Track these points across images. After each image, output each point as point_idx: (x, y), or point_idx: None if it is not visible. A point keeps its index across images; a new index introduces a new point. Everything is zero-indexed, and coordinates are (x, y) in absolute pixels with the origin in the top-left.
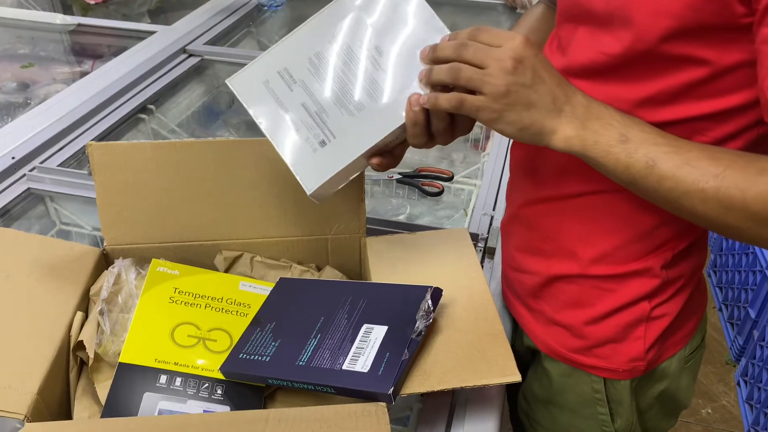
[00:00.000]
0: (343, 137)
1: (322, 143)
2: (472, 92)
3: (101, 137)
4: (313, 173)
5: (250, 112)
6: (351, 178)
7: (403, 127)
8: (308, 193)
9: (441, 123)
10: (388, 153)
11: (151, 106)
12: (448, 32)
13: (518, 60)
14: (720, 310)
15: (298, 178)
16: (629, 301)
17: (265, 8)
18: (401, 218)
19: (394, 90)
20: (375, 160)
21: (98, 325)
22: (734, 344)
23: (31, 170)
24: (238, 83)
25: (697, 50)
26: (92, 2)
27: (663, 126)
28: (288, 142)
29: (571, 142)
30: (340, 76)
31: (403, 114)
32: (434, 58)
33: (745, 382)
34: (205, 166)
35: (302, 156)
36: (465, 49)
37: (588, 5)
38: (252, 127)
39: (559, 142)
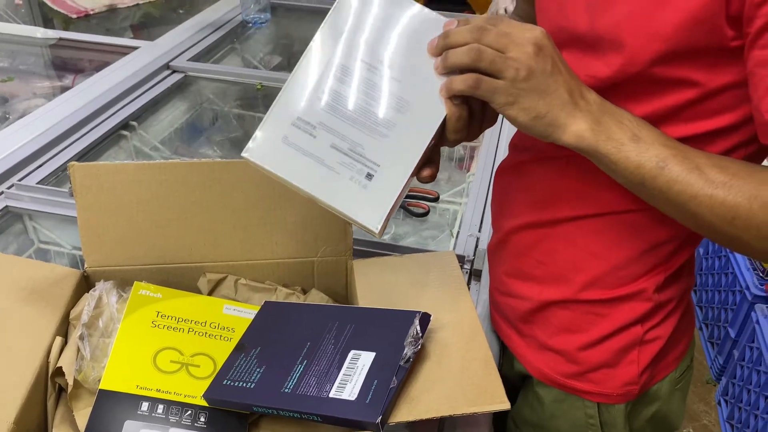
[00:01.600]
0: (387, 162)
1: (369, 176)
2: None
3: (82, 154)
4: (373, 211)
5: (282, 178)
6: (402, 199)
7: (440, 128)
8: (376, 232)
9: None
10: (429, 162)
11: (134, 123)
12: (446, 19)
13: (540, 47)
14: (700, 329)
15: (360, 222)
16: (622, 326)
17: (250, 25)
18: (387, 239)
19: (418, 95)
20: (425, 173)
21: (78, 350)
22: (714, 363)
23: (9, 188)
24: (256, 153)
25: (687, 72)
26: (74, 16)
27: None
28: (335, 190)
29: (584, 136)
30: (358, 104)
31: (438, 113)
32: (448, 43)
33: (726, 401)
34: (189, 187)
35: (355, 198)
36: (485, 32)
37: (573, 29)
38: (236, 145)
39: (570, 136)
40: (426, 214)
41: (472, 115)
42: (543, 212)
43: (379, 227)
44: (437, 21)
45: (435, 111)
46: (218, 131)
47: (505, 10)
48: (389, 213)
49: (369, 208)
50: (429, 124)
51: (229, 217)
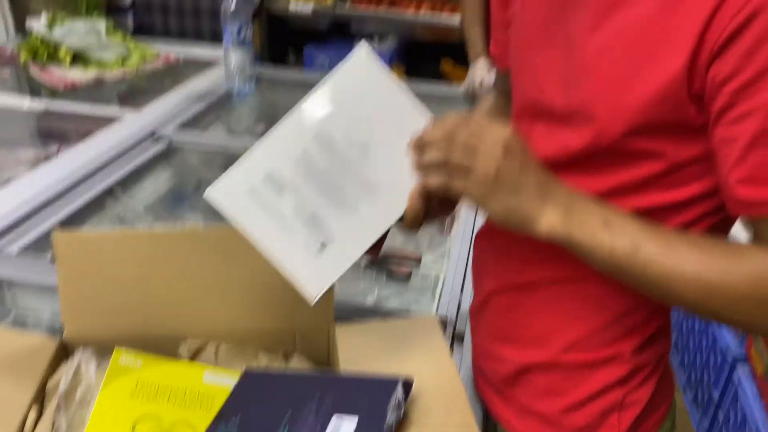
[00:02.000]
0: (344, 238)
1: (322, 247)
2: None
3: (65, 222)
4: (315, 281)
5: (237, 224)
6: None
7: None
8: (312, 301)
9: (430, 205)
10: (377, 242)
11: (118, 190)
12: (430, 115)
13: (508, 147)
14: (684, 391)
15: (299, 288)
16: (602, 388)
17: (235, 95)
18: (369, 302)
19: (388, 183)
20: (371, 254)
21: (53, 422)
22: (700, 426)
23: None
24: (218, 195)
25: (656, 145)
26: (61, 87)
27: None
28: (285, 250)
29: (556, 228)
30: (331, 176)
31: (402, 205)
32: (424, 142)
33: None
34: (172, 255)
35: (302, 264)
36: (458, 133)
37: (548, 103)
38: (217, 213)
39: (543, 228)
40: (408, 276)
41: (428, 211)
42: (521, 276)
43: (316, 299)
44: (423, 115)
45: (399, 202)
46: (202, 199)
47: (481, 83)
48: (326, 288)
49: (313, 278)
50: (391, 213)
51: (211, 285)
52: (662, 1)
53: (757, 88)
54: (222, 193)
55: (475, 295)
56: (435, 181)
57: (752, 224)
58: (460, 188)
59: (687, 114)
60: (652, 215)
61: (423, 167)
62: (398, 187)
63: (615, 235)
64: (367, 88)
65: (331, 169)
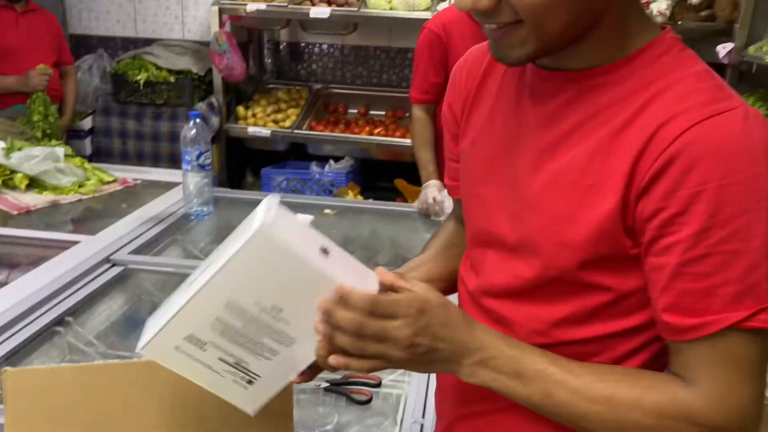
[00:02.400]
0: (266, 376)
1: (250, 382)
2: None
3: (12, 353)
4: (251, 403)
5: (172, 369)
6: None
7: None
8: (253, 414)
9: None
10: (308, 368)
11: (69, 318)
12: (336, 281)
13: (414, 335)
14: None
15: (240, 407)
16: None
17: (192, 217)
18: (329, 428)
19: (301, 336)
20: (300, 378)
21: None
22: None
23: None
24: (151, 352)
25: (601, 278)
26: (15, 212)
27: (578, 343)
28: (220, 386)
29: (473, 380)
30: (247, 334)
31: (312, 354)
32: (334, 326)
33: None
34: (125, 387)
35: (236, 393)
36: (364, 328)
37: (498, 234)
38: None
39: (463, 377)
40: (369, 401)
41: None
42: (483, 401)
43: (254, 412)
44: (331, 281)
45: (311, 352)
46: None
47: (434, 199)
48: (264, 404)
49: (248, 401)
50: (305, 359)
51: (165, 417)
52: (596, 146)
53: (677, 224)
54: (152, 350)
55: (438, 419)
56: (357, 367)
57: (676, 349)
58: (380, 368)
59: (624, 246)
60: (601, 343)
61: (334, 346)
62: (310, 341)
63: (527, 386)
64: (272, 258)
65: (247, 328)
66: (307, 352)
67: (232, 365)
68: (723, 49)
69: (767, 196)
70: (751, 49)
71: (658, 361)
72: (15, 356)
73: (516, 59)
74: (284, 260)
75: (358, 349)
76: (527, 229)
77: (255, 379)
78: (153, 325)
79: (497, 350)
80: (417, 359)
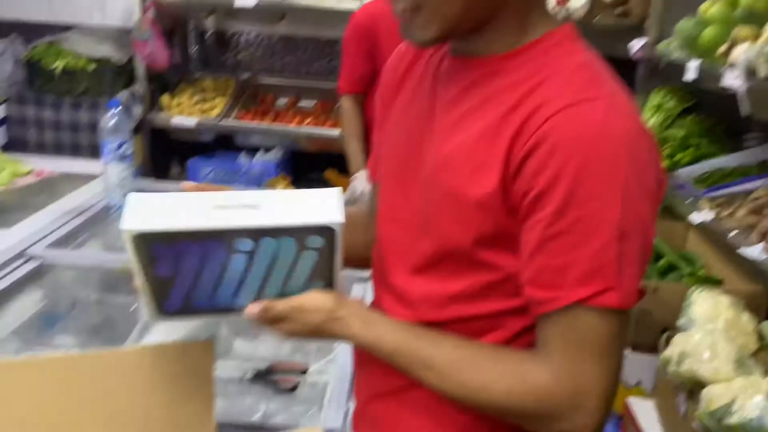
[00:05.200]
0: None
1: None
2: None
3: None
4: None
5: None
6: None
7: None
8: (146, 317)
9: None
10: None
11: None
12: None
13: (290, 332)
14: None
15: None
16: None
17: (113, 210)
18: (256, 418)
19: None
20: None
21: None
22: None
23: None
24: (139, 233)
25: (491, 256)
26: None
27: (473, 320)
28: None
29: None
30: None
31: None
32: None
33: None
34: (43, 385)
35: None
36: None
37: (405, 212)
38: (96, 332)
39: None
40: (295, 388)
41: None
42: (387, 380)
43: (148, 318)
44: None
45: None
46: (75, 319)
47: (362, 192)
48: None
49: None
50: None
51: (86, 412)
52: (486, 127)
53: (541, 203)
54: (140, 232)
55: (356, 402)
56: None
57: (538, 325)
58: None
59: (507, 226)
60: (494, 320)
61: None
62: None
63: (400, 366)
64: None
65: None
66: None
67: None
68: (636, 45)
69: (623, 183)
70: (661, 45)
71: None
72: None
73: (421, 40)
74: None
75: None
76: (427, 207)
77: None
78: (154, 213)
79: (362, 344)
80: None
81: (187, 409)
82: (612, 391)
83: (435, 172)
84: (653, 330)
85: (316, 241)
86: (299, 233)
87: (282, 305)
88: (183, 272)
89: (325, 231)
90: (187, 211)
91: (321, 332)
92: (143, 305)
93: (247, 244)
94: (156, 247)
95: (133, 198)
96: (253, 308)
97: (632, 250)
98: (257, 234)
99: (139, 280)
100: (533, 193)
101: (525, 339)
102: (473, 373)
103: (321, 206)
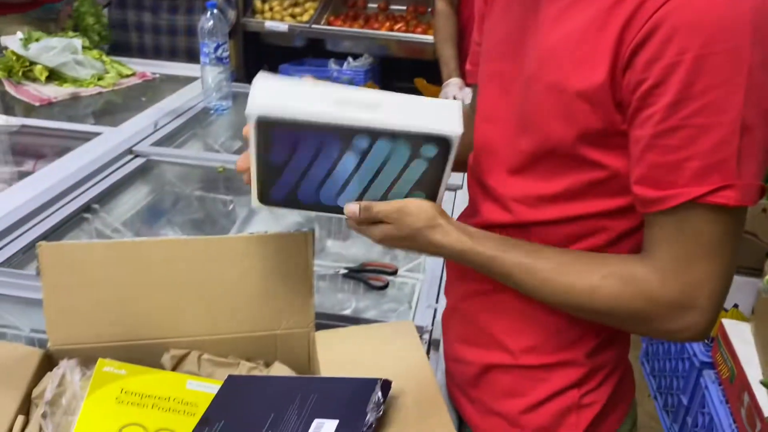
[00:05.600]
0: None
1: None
2: None
3: (43, 237)
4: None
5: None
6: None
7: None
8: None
9: None
10: None
11: (96, 206)
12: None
13: (382, 238)
14: (655, 398)
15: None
16: (559, 390)
17: (212, 111)
18: (347, 312)
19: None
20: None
21: (40, 428)
22: (671, 431)
23: None
24: (264, 104)
25: (595, 154)
26: (37, 104)
27: (571, 220)
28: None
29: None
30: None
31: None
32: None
33: None
34: (154, 264)
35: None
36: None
37: (505, 110)
38: (197, 227)
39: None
40: (385, 287)
41: None
42: (482, 281)
43: (255, 207)
44: None
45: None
46: (180, 213)
47: (454, 98)
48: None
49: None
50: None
51: (192, 293)
52: (592, 18)
53: (655, 96)
54: (265, 104)
55: (447, 300)
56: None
57: (647, 223)
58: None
59: (614, 122)
60: (593, 222)
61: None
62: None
63: (496, 277)
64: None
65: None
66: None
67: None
68: None
69: (747, 71)
70: None
71: None
72: (46, 239)
73: None
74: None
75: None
76: (528, 103)
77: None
78: (280, 98)
79: (459, 251)
80: (397, 247)
81: (288, 296)
82: (724, 292)
83: (538, 66)
84: (757, 252)
85: (430, 151)
86: (416, 140)
87: (383, 206)
88: (295, 161)
89: (442, 142)
90: (311, 102)
91: (417, 238)
92: (252, 189)
93: (363, 142)
94: (276, 132)
95: (260, 80)
96: (353, 206)
97: (754, 144)
98: (376, 134)
99: (252, 164)
100: (646, 85)
101: (629, 241)
102: (579, 276)
103: (441, 116)
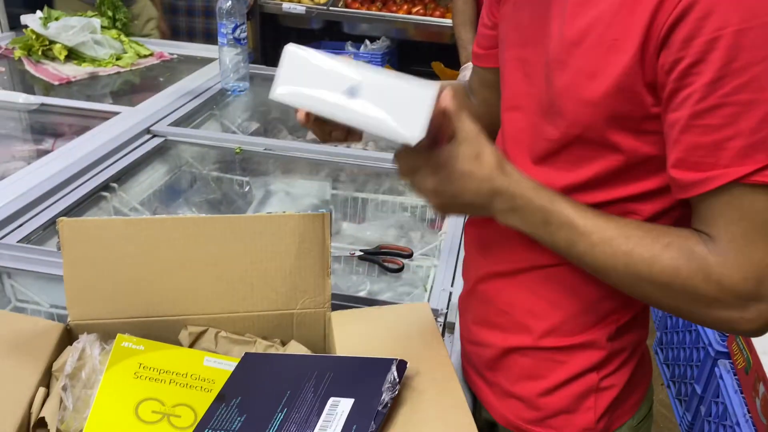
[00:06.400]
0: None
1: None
2: None
3: (62, 214)
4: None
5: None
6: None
7: None
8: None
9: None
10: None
11: (114, 185)
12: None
13: (435, 187)
14: (668, 386)
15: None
16: (578, 372)
17: (229, 93)
18: (362, 294)
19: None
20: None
21: (61, 401)
22: (683, 420)
23: None
24: (284, 94)
25: (620, 138)
26: (56, 83)
27: (598, 207)
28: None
29: (505, 222)
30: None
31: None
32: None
33: None
34: (173, 242)
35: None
36: (406, 175)
37: (530, 95)
38: (214, 207)
39: (497, 218)
40: (400, 269)
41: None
42: (503, 262)
43: (278, 95)
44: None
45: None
46: (197, 193)
47: None
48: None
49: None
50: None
51: (210, 271)
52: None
53: (693, 74)
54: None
55: (464, 282)
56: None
57: (694, 205)
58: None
59: (644, 104)
60: (622, 206)
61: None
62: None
63: (553, 234)
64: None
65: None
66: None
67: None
68: None
69: None
70: None
71: (683, 226)
72: (66, 216)
73: None
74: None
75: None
76: (555, 88)
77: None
78: (304, 80)
79: (526, 200)
80: (444, 207)
81: (304, 276)
82: None
83: (565, 51)
84: None
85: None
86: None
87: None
88: None
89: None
90: (324, 90)
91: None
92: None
93: None
94: None
95: (291, 52)
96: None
97: None
98: None
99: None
100: (684, 64)
101: (659, 224)
102: (640, 242)
103: (408, 112)
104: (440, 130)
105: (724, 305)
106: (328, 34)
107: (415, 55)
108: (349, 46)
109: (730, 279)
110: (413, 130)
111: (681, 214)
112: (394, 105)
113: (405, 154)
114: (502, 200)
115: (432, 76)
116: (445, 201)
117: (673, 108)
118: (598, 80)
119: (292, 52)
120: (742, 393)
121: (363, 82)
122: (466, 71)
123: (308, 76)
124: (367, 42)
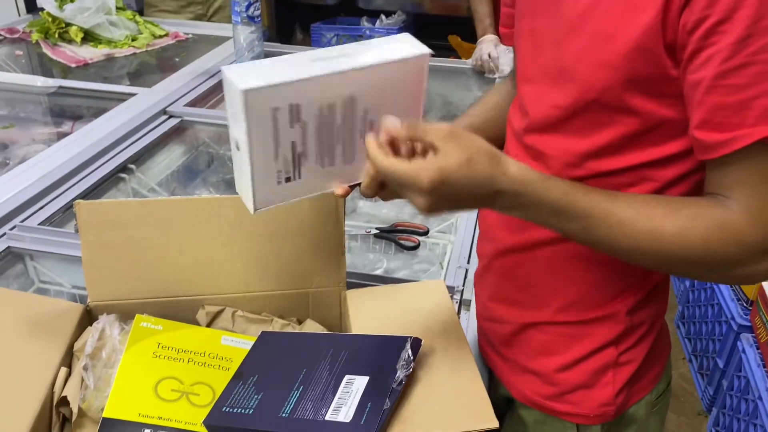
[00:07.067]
0: (304, 180)
1: (287, 180)
2: None
3: (82, 196)
4: (263, 198)
5: (241, 126)
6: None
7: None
8: (251, 211)
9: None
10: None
11: (132, 166)
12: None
13: (430, 205)
14: (690, 361)
15: (249, 195)
16: (597, 347)
17: None
18: (379, 272)
19: (363, 155)
20: (342, 191)
21: (82, 380)
22: (705, 395)
23: (11, 229)
24: (252, 97)
25: (637, 102)
26: (73, 65)
27: (615, 174)
28: (258, 166)
29: (507, 214)
30: (334, 131)
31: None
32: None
33: None
34: (189, 222)
35: (265, 182)
36: (392, 178)
37: (543, 65)
38: (231, 186)
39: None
40: (416, 247)
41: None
42: (520, 236)
43: (257, 212)
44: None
45: (360, 174)
46: (214, 173)
47: (489, 55)
48: (268, 209)
49: (263, 195)
50: (353, 178)
51: (227, 251)
52: None
53: (719, 33)
54: (255, 97)
55: (479, 259)
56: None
57: (714, 168)
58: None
59: (664, 66)
60: (638, 172)
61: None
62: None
63: (565, 222)
64: (404, 81)
65: (340, 128)
66: (356, 173)
67: (294, 155)
68: None
69: None
70: None
71: (700, 192)
72: (85, 198)
73: None
74: (411, 87)
75: (388, 193)
76: (568, 54)
77: (294, 178)
78: (255, 75)
79: (533, 197)
80: (437, 209)
81: (320, 255)
82: None
83: (580, 17)
84: None
85: None
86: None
87: (433, 127)
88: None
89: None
90: (285, 69)
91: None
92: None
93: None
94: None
95: (226, 69)
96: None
97: None
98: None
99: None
100: (708, 23)
101: (674, 191)
102: (664, 218)
103: (404, 46)
104: (412, 153)
105: (749, 263)
106: (343, 9)
107: (431, 28)
108: (364, 21)
109: (756, 239)
110: (420, 48)
111: (699, 178)
112: (385, 49)
113: (375, 185)
114: (504, 200)
115: (449, 49)
116: (442, 210)
117: (695, 68)
118: (617, 42)
119: (227, 68)
120: (765, 367)
121: (354, 48)
122: (483, 44)
123: (260, 70)
124: (383, 17)
